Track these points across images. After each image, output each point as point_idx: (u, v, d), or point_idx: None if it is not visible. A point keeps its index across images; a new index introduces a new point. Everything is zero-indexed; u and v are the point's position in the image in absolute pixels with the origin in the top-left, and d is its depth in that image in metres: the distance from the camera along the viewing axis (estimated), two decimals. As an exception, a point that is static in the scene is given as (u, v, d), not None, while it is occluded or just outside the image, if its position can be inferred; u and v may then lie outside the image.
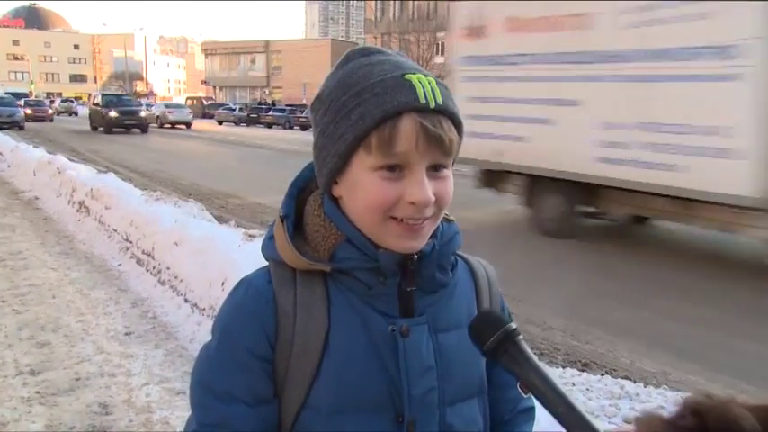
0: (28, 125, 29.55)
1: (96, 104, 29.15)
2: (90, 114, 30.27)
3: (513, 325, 0.74)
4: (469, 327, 0.77)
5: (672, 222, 7.85)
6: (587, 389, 3.46)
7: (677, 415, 0.51)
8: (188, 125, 35.49)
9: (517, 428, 0.98)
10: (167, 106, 39.20)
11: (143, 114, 29.30)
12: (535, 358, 0.72)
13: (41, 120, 35.76)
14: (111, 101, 29.28)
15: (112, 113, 27.71)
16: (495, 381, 0.94)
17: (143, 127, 28.72)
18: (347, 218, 0.84)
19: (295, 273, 0.85)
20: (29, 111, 34.46)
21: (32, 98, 47.79)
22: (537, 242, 7.98)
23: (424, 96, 0.78)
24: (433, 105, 0.78)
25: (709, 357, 4.35)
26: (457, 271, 0.92)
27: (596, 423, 0.65)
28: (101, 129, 28.05)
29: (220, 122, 44.65)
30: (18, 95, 40.22)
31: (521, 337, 0.73)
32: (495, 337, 0.73)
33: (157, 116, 35.59)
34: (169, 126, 35.23)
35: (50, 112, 38.36)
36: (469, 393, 0.90)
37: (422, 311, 0.86)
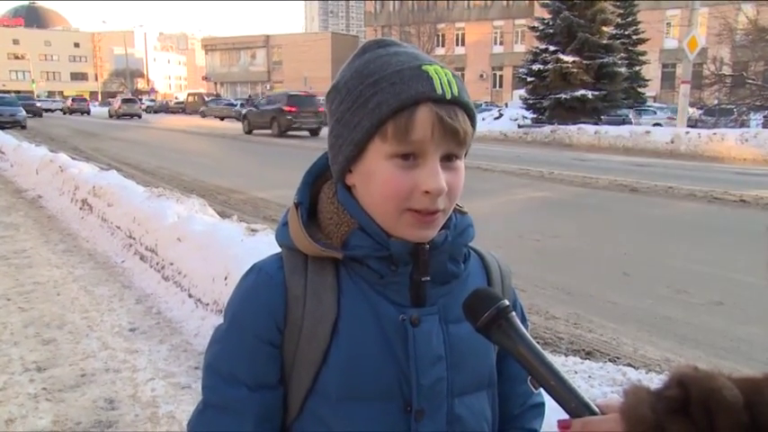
0: (30, 123, 29.29)
1: (256, 106, 28.08)
2: (246, 115, 28.15)
3: (506, 302, 0.75)
4: (463, 304, 0.78)
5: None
6: (589, 376, 3.47)
7: (663, 386, 0.53)
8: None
9: (527, 424, 0.98)
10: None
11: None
12: (527, 333, 0.74)
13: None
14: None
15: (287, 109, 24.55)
16: (506, 374, 0.95)
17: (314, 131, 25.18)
18: (360, 206, 0.84)
19: (307, 259, 0.86)
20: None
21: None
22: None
23: (440, 87, 0.78)
24: (449, 96, 0.79)
25: (711, 343, 4.35)
26: (469, 263, 0.92)
27: (586, 397, 0.66)
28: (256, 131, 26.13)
29: (222, 118, 43.74)
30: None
31: (513, 313, 0.75)
32: (488, 313, 0.74)
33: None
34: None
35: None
36: (479, 385, 0.90)
37: (433, 302, 0.86)
